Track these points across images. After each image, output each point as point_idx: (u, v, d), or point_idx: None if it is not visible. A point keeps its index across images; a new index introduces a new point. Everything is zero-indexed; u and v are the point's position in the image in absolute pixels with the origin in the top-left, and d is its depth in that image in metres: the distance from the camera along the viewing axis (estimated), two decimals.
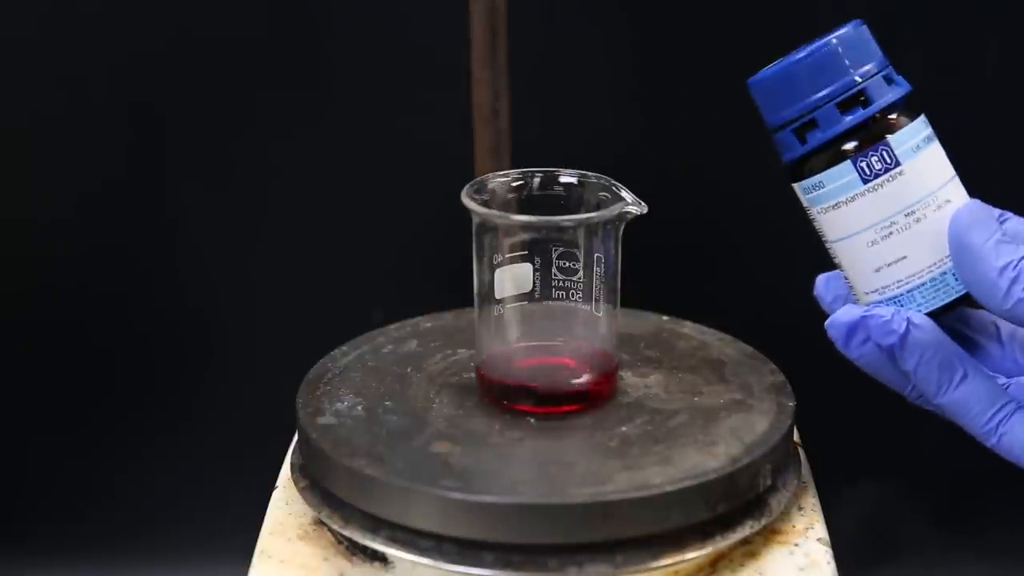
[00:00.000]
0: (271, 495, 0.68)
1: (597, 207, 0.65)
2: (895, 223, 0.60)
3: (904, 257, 0.60)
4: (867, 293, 0.62)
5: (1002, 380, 0.62)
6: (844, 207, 0.60)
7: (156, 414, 1.09)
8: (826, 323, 0.62)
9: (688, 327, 0.75)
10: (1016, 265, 0.58)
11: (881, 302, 0.61)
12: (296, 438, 0.68)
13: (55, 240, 1.05)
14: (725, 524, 0.62)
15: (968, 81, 1.00)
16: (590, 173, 0.67)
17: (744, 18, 1.00)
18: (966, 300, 0.60)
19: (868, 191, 0.60)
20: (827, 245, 0.62)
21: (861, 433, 1.07)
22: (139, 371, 1.09)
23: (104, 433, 1.09)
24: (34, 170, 1.04)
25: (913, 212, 0.60)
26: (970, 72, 1.00)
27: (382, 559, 0.63)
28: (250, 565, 0.64)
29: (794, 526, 0.65)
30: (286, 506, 0.67)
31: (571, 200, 0.67)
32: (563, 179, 0.67)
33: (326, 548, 0.64)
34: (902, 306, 0.60)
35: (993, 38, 1.00)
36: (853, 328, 0.61)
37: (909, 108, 0.61)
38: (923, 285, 0.60)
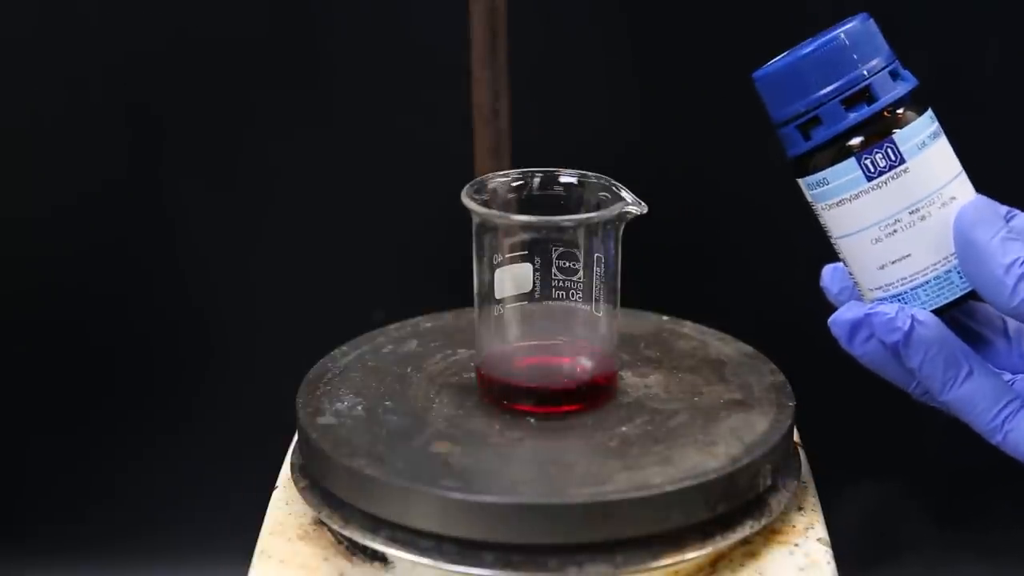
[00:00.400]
0: (271, 495, 0.68)
1: (597, 207, 0.65)
2: (899, 221, 0.60)
3: (908, 255, 0.60)
4: (871, 290, 0.61)
5: (1008, 376, 0.62)
6: (848, 204, 0.60)
7: (156, 414, 1.09)
8: (829, 320, 0.62)
9: (688, 327, 0.75)
10: (1023, 262, 0.57)
11: (885, 299, 0.61)
12: (296, 438, 0.68)
13: (55, 240, 1.05)
14: (725, 524, 0.62)
15: (968, 81, 1.00)
16: (590, 173, 0.67)
17: (744, 18, 1.00)
18: (971, 298, 0.60)
19: (872, 188, 0.59)
20: (831, 241, 0.62)
21: (861, 433, 1.06)
22: (139, 371, 1.08)
23: (104, 433, 1.09)
24: (34, 170, 1.04)
25: (918, 210, 0.59)
26: (970, 72, 1.00)
27: (382, 559, 0.63)
28: (250, 565, 0.64)
29: (794, 526, 0.65)
30: (286, 506, 0.67)
31: (571, 200, 0.67)
32: (563, 179, 0.67)
33: (326, 548, 0.64)
34: (906, 304, 0.60)
35: (993, 37, 1.00)
36: (857, 325, 0.61)
37: (916, 102, 0.60)
38: (927, 283, 0.60)
